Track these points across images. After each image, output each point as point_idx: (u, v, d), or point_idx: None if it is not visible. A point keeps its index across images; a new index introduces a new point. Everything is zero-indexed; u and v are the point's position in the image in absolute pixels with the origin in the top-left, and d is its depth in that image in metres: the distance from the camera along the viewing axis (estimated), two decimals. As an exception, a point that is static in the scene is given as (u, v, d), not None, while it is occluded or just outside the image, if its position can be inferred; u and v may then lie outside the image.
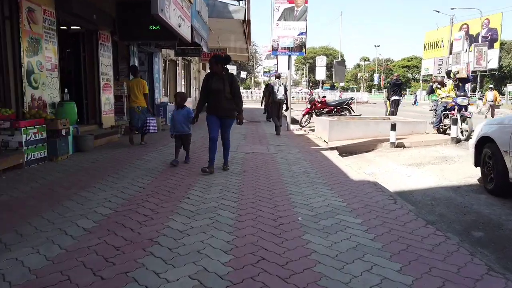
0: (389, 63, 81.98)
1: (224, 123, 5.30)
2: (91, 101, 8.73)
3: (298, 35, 11.36)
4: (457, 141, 9.01)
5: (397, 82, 13.67)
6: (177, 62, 16.58)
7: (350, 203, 3.97)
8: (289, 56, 11.70)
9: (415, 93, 46.52)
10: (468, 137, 8.65)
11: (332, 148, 7.79)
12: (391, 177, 5.86)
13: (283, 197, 4.17)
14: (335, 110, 12.97)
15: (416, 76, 77.23)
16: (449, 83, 10.97)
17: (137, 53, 11.10)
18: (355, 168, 5.98)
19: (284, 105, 11.96)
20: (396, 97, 13.27)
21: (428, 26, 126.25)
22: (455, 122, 9.08)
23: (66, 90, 7.41)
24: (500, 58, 43.37)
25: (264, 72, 24.68)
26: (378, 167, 6.69)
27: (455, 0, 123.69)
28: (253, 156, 6.79)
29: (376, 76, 68.38)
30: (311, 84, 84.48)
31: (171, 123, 6.16)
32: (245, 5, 12.77)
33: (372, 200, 4.10)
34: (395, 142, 8.16)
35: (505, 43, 53.53)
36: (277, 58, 24.15)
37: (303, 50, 11.44)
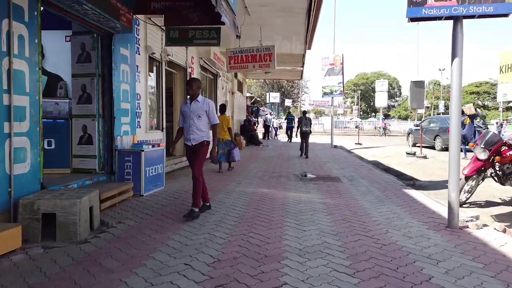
0: (450, 89, 72.00)
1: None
2: None
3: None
4: None
5: None
6: (188, 70, 9.59)
7: None
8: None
9: (500, 123, 28.87)
10: None
11: None
12: None
13: None
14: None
15: (486, 103, 66.97)
16: None
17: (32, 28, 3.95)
18: None
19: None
20: None
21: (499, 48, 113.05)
22: None
23: None
24: None
25: (325, 93, 17.27)
26: None
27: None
28: None
29: (441, 103, 58.81)
30: (361, 112, 75.22)
31: None
32: None
33: None
34: None
35: None
36: (342, 72, 16.76)
37: None
